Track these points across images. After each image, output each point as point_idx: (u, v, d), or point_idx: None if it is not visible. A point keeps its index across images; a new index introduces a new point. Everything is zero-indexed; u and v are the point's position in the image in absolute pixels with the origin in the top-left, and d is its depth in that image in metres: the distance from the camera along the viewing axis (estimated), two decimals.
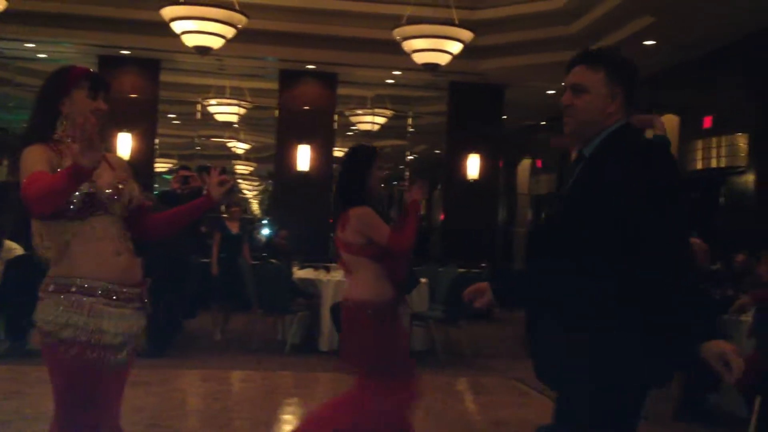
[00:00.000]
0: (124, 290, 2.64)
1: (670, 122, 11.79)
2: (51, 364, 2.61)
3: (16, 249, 7.52)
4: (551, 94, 14.07)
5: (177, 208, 2.98)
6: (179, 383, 6.72)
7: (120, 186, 2.70)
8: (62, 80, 2.72)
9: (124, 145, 12.13)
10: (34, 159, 2.54)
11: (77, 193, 2.52)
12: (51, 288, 2.59)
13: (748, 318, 5.89)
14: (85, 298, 2.57)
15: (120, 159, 2.98)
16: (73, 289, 2.57)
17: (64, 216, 2.57)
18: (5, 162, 7.98)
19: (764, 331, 5.52)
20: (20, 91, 14.65)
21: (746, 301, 5.98)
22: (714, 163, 10.40)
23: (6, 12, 9.55)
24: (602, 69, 2.43)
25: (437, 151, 17.23)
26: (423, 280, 8.72)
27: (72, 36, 11.93)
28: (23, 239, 7.73)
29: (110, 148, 2.58)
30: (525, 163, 17.84)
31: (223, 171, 3.30)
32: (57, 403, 2.62)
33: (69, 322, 2.55)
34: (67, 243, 2.58)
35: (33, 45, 12.41)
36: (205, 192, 2.93)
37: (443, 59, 9.86)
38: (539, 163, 16.91)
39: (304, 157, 13.04)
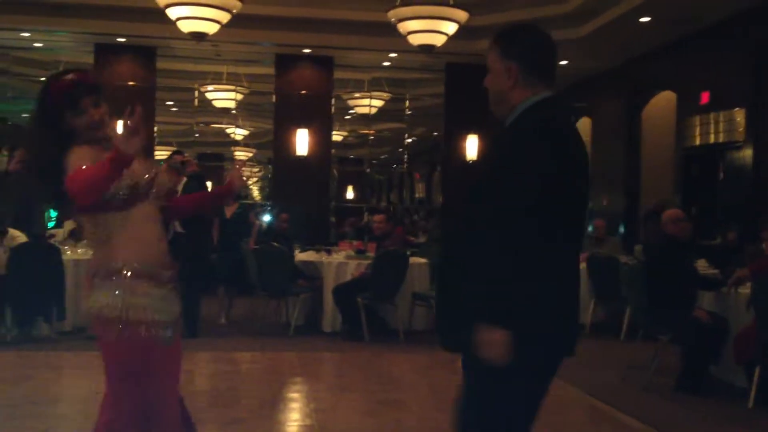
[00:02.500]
0: (164, 273, 2.80)
1: (667, 99, 11.84)
2: (112, 347, 2.72)
3: (19, 237, 7.53)
4: None
5: (201, 193, 3.18)
6: (186, 364, 6.73)
7: (153, 174, 2.84)
8: (67, 96, 2.73)
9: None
10: (80, 156, 2.63)
11: (123, 186, 2.64)
12: (102, 274, 2.72)
13: (746, 290, 5.94)
14: (135, 281, 2.71)
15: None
16: (125, 273, 2.70)
17: (111, 208, 2.68)
18: (5, 152, 7.97)
19: (762, 303, 5.58)
20: (18, 80, 14.65)
21: (744, 273, 6.01)
22: (712, 139, 10.44)
23: (1, 1, 9.53)
24: (496, 47, 2.45)
25: (435, 133, 17.23)
26: (423, 260, 8.81)
27: (68, 24, 11.90)
28: (25, 227, 7.77)
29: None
30: None
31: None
32: (112, 385, 2.76)
33: (130, 304, 2.69)
34: (113, 232, 2.72)
35: (28, 34, 12.37)
36: (227, 181, 3.15)
37: (439, 40, 9.85)
38: None
39: (302, 142, 13.06)
